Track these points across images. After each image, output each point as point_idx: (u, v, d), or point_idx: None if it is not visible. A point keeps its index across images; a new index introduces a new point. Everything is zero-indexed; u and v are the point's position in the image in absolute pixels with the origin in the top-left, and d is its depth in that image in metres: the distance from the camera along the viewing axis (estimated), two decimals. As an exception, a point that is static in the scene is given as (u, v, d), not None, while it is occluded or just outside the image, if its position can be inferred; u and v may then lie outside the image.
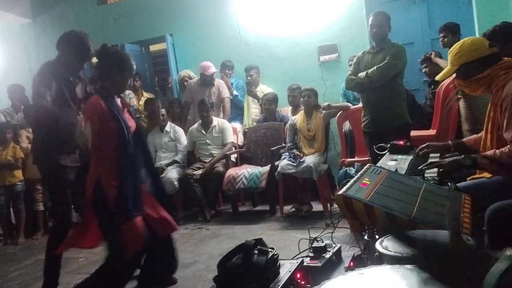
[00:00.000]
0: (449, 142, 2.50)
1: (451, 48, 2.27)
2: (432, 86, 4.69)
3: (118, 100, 2.68)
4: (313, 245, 2.75)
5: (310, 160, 4.48)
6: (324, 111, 4.78)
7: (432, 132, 4.17)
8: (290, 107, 5.37)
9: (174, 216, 2.79)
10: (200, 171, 5.02)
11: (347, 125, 4.93)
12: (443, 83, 4.11)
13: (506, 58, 2.17)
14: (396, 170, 2.01)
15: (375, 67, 3.61)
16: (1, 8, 6.54)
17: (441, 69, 3.60)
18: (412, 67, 4.84)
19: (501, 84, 2.08)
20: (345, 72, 4.15)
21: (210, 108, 5.25)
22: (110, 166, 2.50)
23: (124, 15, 6.62)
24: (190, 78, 5.94)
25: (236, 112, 5.84)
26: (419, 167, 2.11)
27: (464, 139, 2.53)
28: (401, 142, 2.63)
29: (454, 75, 2.31)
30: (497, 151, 1.98)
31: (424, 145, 2.45)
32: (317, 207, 4.65)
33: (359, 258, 2.36)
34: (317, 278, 2.13)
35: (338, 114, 4.76)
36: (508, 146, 1.95)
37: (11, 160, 4.96)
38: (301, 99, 4.89)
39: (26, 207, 5.07)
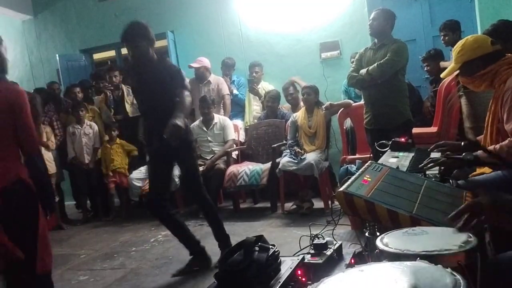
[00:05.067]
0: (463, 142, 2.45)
1: (455, 46, 2.28)
2: (434, 84, 4.69)
3: None
4: (314, 242, 2.75)
5: (311, 157, 4.48)
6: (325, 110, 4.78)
7: (433, 129, 4.17)
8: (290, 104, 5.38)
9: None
10: (201, 168, 5.01)
11: (348, 122, 4.93)
12: (444, 80, 4.10)
13: (509, 54, 2.17)
14: (398, 167, 2.01)
15: (376, 64, 3.60)
16: (2, 5, 6.53)
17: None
18: (414, 64, 4.82)
19: (503, 78, 2.09)
20: (347, 69, 4.15)
21: (211, 105, 5.25)
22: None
23: (125, 11, 6.61)
24: None
25: (238, 109, 5.84)
26: (420, 165, 2.10)
27: (479, 138, 2.48)
28: (403, 139, 2.63)
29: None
30: (496, 145, 1.98)
31: (440, 142, 2.43)
32: (318, 204, 4.65)
33: (360, 255, 2.36)
34: (318, 275, 2.13)
35: (340, 111, 4.76)
36: (509, 138, 1.95)
37: None
38: (301, 96, 4.90)
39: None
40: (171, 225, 3.35)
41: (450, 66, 2.32)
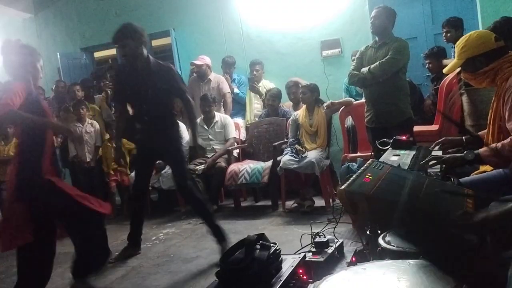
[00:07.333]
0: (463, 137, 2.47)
1: (458, 41, 2.26)
2: (435, 82, 4.67)
3: None
4: (315, 240, 2.75)
5: (312, 155, 4.48)
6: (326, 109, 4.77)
7: (434, 127, 4.16)
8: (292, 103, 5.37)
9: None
10: (202, 166, 5.02)
11: (349, 120, 4.93)
12: (446, 78, 4.09)
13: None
14: (399, 166, 2.00)
15: (377, 63, 3.60)
16: (3, 3, 6.53)
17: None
18: (415, 62, 4.82)
19: (505, 76, 2.08)
20: (348, 67, 4.14)
21: (212, 103, 5.25)
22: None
23: (126, 10, 6.61)
24: None
25: (239, 107, 5.83)
26: (421, 163, 2.10)
27: (480, 133, 2.49)
28: (404, 137, 2.62)
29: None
30: (498, 143, 1.98)
31: (441, 139, 2.43)
32: (319, 202, 4.65)
33: (361, 253, 2.36)
34: (319, 273, 2.14)
35: (341, 109, 4.75)
36: (511, 137, 1.94)
37: (13, 155, 4.95)
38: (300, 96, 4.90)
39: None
40: (137, 218, 3.73)
41: (452, 62, 2.30)
